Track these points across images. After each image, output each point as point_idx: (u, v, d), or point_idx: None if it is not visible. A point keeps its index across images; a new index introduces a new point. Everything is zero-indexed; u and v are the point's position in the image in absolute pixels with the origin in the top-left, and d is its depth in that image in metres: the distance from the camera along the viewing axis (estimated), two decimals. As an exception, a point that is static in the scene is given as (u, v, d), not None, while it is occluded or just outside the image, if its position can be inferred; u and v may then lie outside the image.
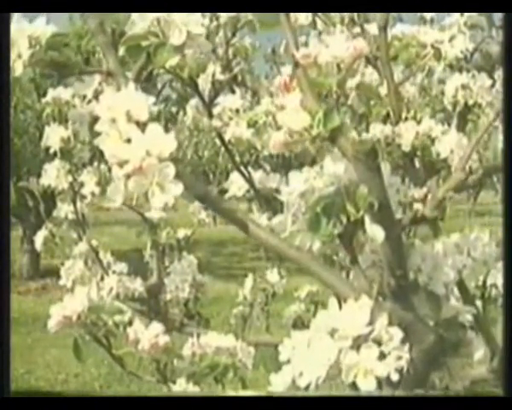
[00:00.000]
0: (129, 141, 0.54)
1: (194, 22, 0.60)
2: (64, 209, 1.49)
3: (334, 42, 0.47)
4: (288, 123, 0.46)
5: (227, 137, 1.06)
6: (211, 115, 1.01)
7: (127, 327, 0.81)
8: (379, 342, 0.51)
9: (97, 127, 0.56)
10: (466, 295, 0.96)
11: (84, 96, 0.74)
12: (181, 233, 1.77)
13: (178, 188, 0.53)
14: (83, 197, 1.33)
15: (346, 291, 0.55)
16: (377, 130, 0.92)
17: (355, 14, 1.24)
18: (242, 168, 1.12)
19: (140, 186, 0.52)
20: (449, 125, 1.39)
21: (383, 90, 1.00)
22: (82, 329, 0.82)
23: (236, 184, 1.24)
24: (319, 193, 0.54)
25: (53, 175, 1.25)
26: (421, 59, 0.96)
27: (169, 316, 1.46)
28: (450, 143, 0.89)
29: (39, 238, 1.59)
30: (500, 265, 1.05)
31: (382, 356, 0.54)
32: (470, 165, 0.58)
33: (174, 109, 5.69)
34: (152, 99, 0.57)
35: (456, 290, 0.64)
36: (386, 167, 0.54)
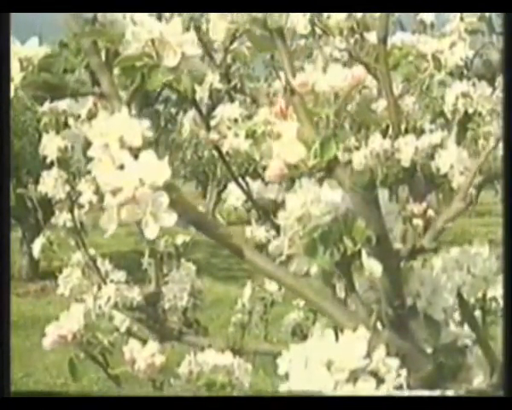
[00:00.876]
0: (122, 168, 0.53)
1: (189, 43, 0.59)
2: (62, 217, 1.49)
3: (332, 70, 0.46)
4: (283, 155, 0.45)
5: (225, 149, 1.05)
6: (208, 128, 0.99)
7: (123, 346, 0.80)
8: (376, 374, 0.50)
9: (90, 153, 0.55)
10: (465, 309, 0.96)
11: (79, 116, 0.73)
12: (179, 239, 1.76)
13: (172, 217, 0.52)
14: (80, 206, 1.32)
15: (343, 320, 0.54)
16: (376, 143, 0.91)
17: (354, 22, 1.23)
18: (240, 179, 1.11)
19: (133, 215, 0.51)
20: (449, 131, 1.38)
21: (383, 103, 0.99)
22: (77, 347, 0.81)
23: (234, 195, 1.23)
24: (316, 220, 0.53)
25: (50, 185, 1.24)
26: (422, 73, 0.95)
27: (167, 324, 1.45)
28: (450, 158, 0.88)
29: (37, 245, 1.58)
30: (500, 278, 1.05)
31: (380, 381, 0.53)
32: (470, 193, 0.56)
33: (173, 110, 5.66)
34: (146, 123, 0.56)
35: (455, 315, 0.63)
36: (384, 196, 0.53)
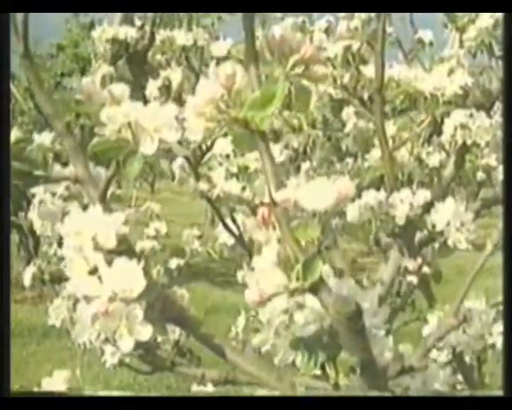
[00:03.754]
0: (96, 270, 0.50)
1: (167, 127, 0.56)
2: (53, 247, 1.46)
3: (317, 186, 0.43)
4: (261, 284, 0.42)
5: (215, 193, 1.02)
6: (198, 177, 0.96)
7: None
8: None
9: (63, 252, 0.52)
10: (461, 365, 0.93)
11: (55, 193, 0.70)
12: (173, 263, 1.73)
13: (147, 330, 0.49)
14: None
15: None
16: (370, 196, 0.88)
17: (350, 55, 1.20)
18: (231, 222, 1.08)
19: (107, 328, 0.48)
20: (447, 154, 1.35)
21: (377, 152, 0.96)
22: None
23: (226, 233, 1.20)
24: (300, 330, 0.50)
25: (38, 224, 1.20)
26: (418, 125, 0.91)
27: (159, 355, 1.42)
28: (446, 214, 0.84)
29: (28, 274, 1.55)
30: (498, 326, 1.02)
31: None
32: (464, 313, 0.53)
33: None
34: (121, 217, 0.53)
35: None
36: (373, 297, 0.50)
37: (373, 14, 1.04)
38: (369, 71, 1.15)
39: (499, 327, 1.01)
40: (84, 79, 0.62)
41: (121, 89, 0.62)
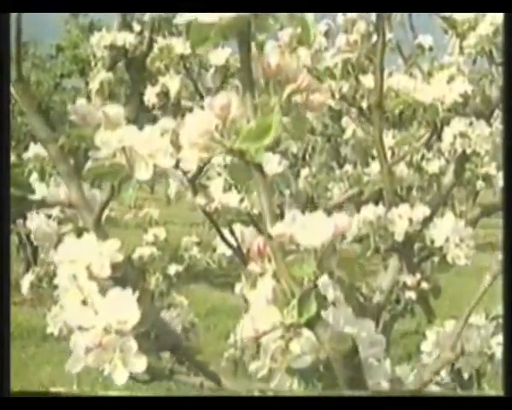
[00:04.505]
0: (90, 301, 0.50)
1: (162, 153, 0.55)
2: (51, 255, 1.46)
3: (314, 221, 0.42)
4: (256, 321, 0.42)
5: (213, 207, 1.01)
6: (195, 191, 0.95)
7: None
8: None
9: (57, 281, 0.51)
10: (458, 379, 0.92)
11: (50, 216, 0.69)
12: (172, 269, 1.73)
13: (142, 362, 0.48)
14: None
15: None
16: (369, 211, 0.87)
17: (349, 65, 1.19)
18: (229, 234, 1.07)
19: (101, 360, 0.48)
20: (447, 161, 1.34)
21: (376, 166, 0.95)
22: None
23: (224, 244, 1.20)
24: (295, 360, 0.49)
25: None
26: (417, 140, 0.91)
27: (158, 363, 1.42)
28: (445, 230, 0.84)
29: (26, 282, 1.55)
30: (498, 338, 1.01)
31: None
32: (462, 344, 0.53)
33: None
34: (117, 243, 0.52)
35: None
36: (370, 326, 0.50)
37: (372, 28, 1.03)
38: (368, 80, 1.15)
39: (498, 339, 1.00)
40: (79, 100, 0.61)
41: (116, 110, 0.61)
